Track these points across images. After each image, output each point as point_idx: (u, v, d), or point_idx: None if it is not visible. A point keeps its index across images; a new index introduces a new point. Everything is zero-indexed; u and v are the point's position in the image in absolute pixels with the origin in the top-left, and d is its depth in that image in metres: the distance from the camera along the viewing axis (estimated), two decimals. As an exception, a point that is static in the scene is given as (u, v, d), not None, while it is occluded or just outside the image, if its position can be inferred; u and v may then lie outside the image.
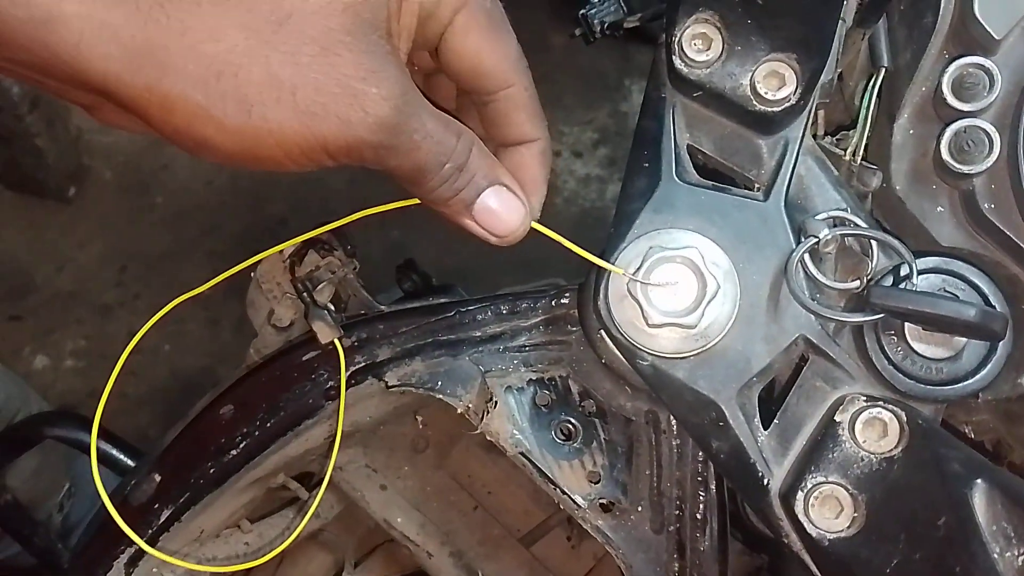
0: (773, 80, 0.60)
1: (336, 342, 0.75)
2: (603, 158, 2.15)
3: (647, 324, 0.59)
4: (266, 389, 0.79)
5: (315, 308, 0.75)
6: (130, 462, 1.03)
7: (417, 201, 0.56)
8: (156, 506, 0.80)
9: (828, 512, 0.56)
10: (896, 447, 0.56)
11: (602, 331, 0.66)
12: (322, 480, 0.93)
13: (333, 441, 0.83)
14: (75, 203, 2.21)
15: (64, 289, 2.01)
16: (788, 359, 0.62)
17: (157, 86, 0.45)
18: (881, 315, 0.57)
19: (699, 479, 0.74)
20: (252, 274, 0.84)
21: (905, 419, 0.56)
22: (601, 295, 0.61)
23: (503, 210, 0.55)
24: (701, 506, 0.74)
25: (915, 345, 0.59)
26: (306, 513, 0.90)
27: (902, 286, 0.59)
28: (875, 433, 0.57)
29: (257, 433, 0.79)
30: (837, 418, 0.58)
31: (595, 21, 0.70)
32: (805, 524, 0.56)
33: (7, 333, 1.97)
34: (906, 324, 0.59)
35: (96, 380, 2.03)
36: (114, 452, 1.03)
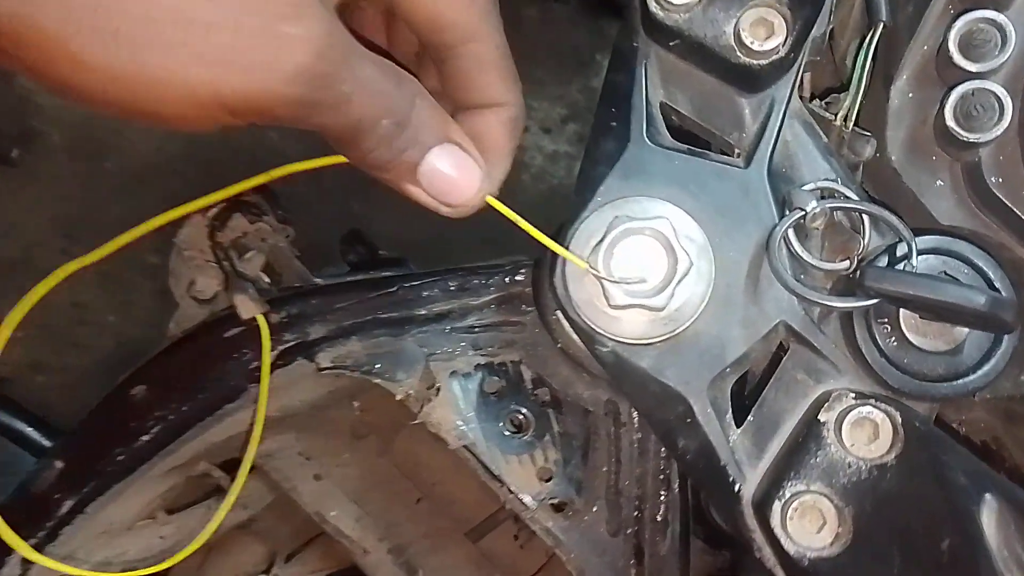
0: (760, 28, 0.51)
1: (260, 318, 0.65)
2: (572, 134, 2.06)
3: (609, 305, 0.51)
4: (183, 368, 0.70)
5: (237, 279, 0.65)
6: (47, 443, 0.93)
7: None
8: (57, 496, 0.70)
9: (809, 526, 0.48)
10: (889, 452, 0.48)
11: (558, 312, 0.57)
12: (247, 469, 0.83)
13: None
14: (20, 166, 2.06)
15: (6, 256, 1.87)
16: (766, 347, 0.53)
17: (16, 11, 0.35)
18: (875, 300, 0.49)
19: (661, 477, 0.66)
20: (174, 240, 0.74)
21: (899, 420, 0.48)
22: (558, 271, 0.52)
23: (456, 174, 0.45)
24: (662, 506, 0.66)
25: (910, 336, 0.51)
26: (225, 506, 0.81)
27: (899, 267, 0.50)
28: (865, 435, 0.49)
29: (172, 417, 0.69)
30: (821, 417, 0.50)
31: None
32: (782, 539, 0.48)
33: (-59, 299, 1.82)
34: (901, 312, 0.51)
35: (37, 351, 1.89)
36: (30, 432, 0.93)
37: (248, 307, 0.64)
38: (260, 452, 0.82)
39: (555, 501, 0.64)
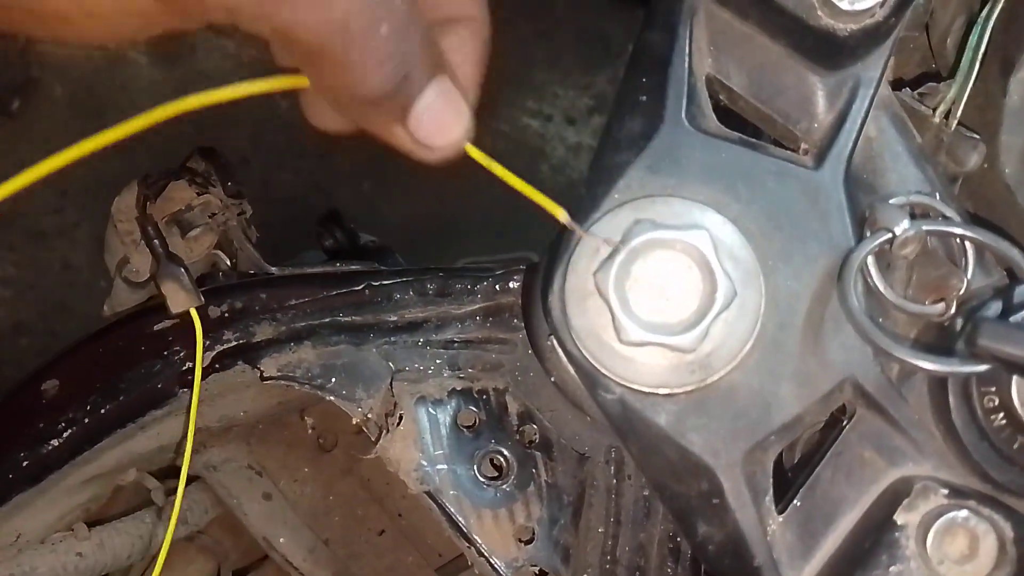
0: (854, -20, 0.37)
1: (193, 313, 0.51)
2: (598, 127, 1.91)
3: (620, 340, 0.37)
4: (103, 364, 0.56)
5: (167, 262, 0.51)
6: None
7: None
8: (-50, 503, 0.57)
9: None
10: (991, 577, 0.34)
11: (553, 339, 0.43)
12: (193, 478, 0.70)
13: (196, 436, 0.60)
14: (19, 118, 1.95)
15: (-1, 211, 1.74)
16: (824, 411, 0.39)
17: None
18: (988, 366, 0.34)
19: (670, 546, 0.52)
20: (112, 210, 0.61)
21: (1010, 535, 0.34)
22: (555, 287, 0.38)
23: (447, 112, 0.36)
24: (668, 582, 0.51)
25: (1025, 414, 0.36)
26: (167, 518, 0.68)
27: (1018, 319, 0.36)
28: (957, 548, 0.35)
29: (88, 421, 0.56)
30: (899, 519, 0.35)
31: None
32: None
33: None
34: (1016, 382, 0.36)
35: (23, 312, 1.78)
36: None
37: (178, 298, 0.51)
38: (204, 463, 0.69)
39: (535, 570, 0.50)
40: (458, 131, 0.37)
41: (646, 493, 0.53)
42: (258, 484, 0.69)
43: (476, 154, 0.39)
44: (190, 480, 0.71)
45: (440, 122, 0.36)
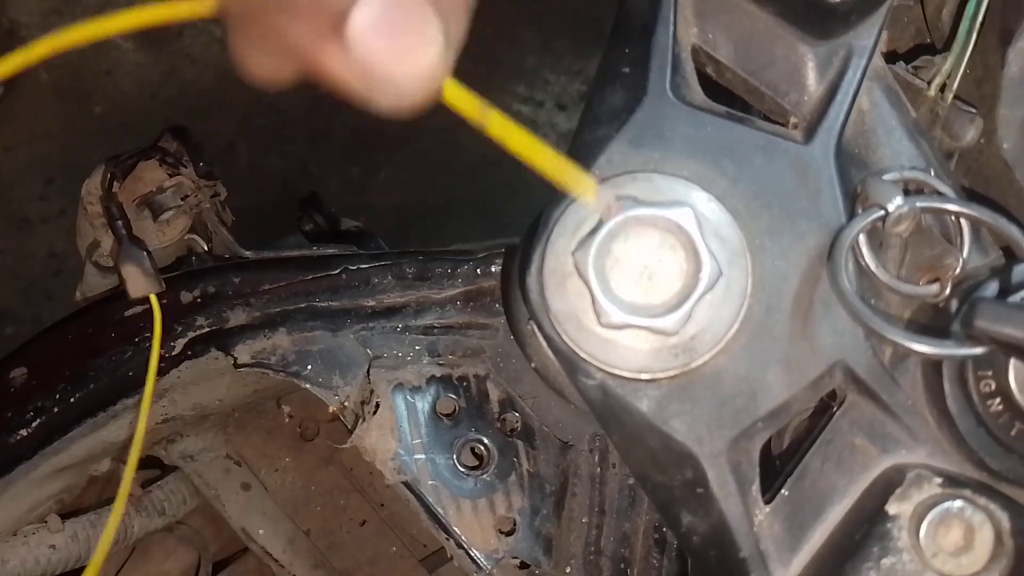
0: (845, -57, 0.35)
1: (153, 299, 0.49)
2: (589, 113, 1.88)
3: (600, 322, 0.35)
4: (72, 351, 0.54)
5: (129, 245, 0.49)
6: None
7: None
8: (-85, 494, 0.55)
9: (863, 667, 0.32)
10: (988, 570, 0.32)
11: (532, 323, 0.41)
12: (171, 468, 0.69)
13: (173, 425, 0.59)
14: (3, 103, 1.91)
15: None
16: (813, 396, 0.37)
17: None
18: (985, 348, 0.32)
19: (655, 536, 0.50)
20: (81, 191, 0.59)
21: (1007, 526, 0.32)
22: (533, 267, 0.36)
23: (403, 23, 0.25)
24: (654, 574, 0.50)
25: (1023, 400, 0.34)
26: (146, 507, 0.66)
27: (1016, 299, 0.34)
28: (952, 541, 0.33)
29: (57, 409, 0.54)
30: (891, 509, 0.34)
31: None
32: None
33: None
34: (1014, 365, 0.34)
35: (8, 300, 1.75)
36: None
37: (138, 283, 0.49)
38: (180, 452, 0.67)
39: (517, 562, 0.48)
40: (423, 57, 0.26)
41: (631, 482, 0.51)
42: (236, 474, 0.67)
43: (458, 97, 0.28)
44: (168, 470, 0.69)
45: (393, 39, 0.25)
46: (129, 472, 0.49)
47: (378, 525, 0.73)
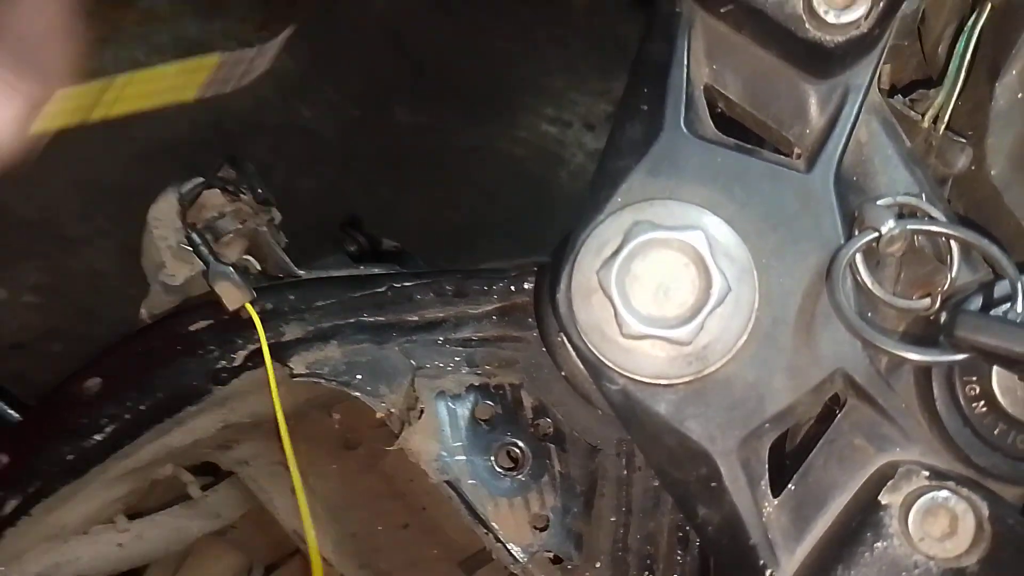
0: (838, -4, 0.40)
1: (248, 307, 0.55)
2: (617, 132, 1.92)
3: (621, 333, 0.40)
4: (141, 363, 0.61)
5: (216, 264, 0.55)
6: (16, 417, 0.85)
7: None
8: (1, 494, 0.61)
9: (859, 640, 0.37)
10: (969, 554, 0.37)
11: (563, 336, 0.47)
12: (228, 473, 0.74)
13: (230, 431, 0.65)
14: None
15: (27, 218, 1.81)
16: (817, 401, 0.42)
17: None
18: (965, 355, 0.37)
19: (679, 534, 0.55)
20: (148, 218, 0.65)
21: (986, 514, 0.37)
22: (562, 285, 0.42)
23: None
24: (678, 570, 0.54)
25: (1005, 403, 0.39)
26: (202, 510, 0.72)
27: (998, 312, 0.39)
28: (939, 528, 0.37)
29: (128, 417, 0.61)
30: (883, 499, 0.38)
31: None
32: (821, 653, 0.37)
33: (-39, 260, 1.77)
34: (996, 371, 0.39)
35: (54, 318, 1.83)
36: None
37: (232, 296, 0.55)
38: (235, 458, 0.73)
39: (550, 555, 0.53)
40: None
41: (655, 484, 0.56)
42: (286, 479, 0.72)
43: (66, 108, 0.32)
44: (223, 476, 0.75)
45: None
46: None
47: (418, 529, 0.78)
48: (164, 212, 0.64)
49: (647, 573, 0.55)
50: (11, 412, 0.87)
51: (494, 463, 0.54)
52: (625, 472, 0.56)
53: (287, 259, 0.63)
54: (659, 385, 0.41)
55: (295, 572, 0.84)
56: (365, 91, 1.92)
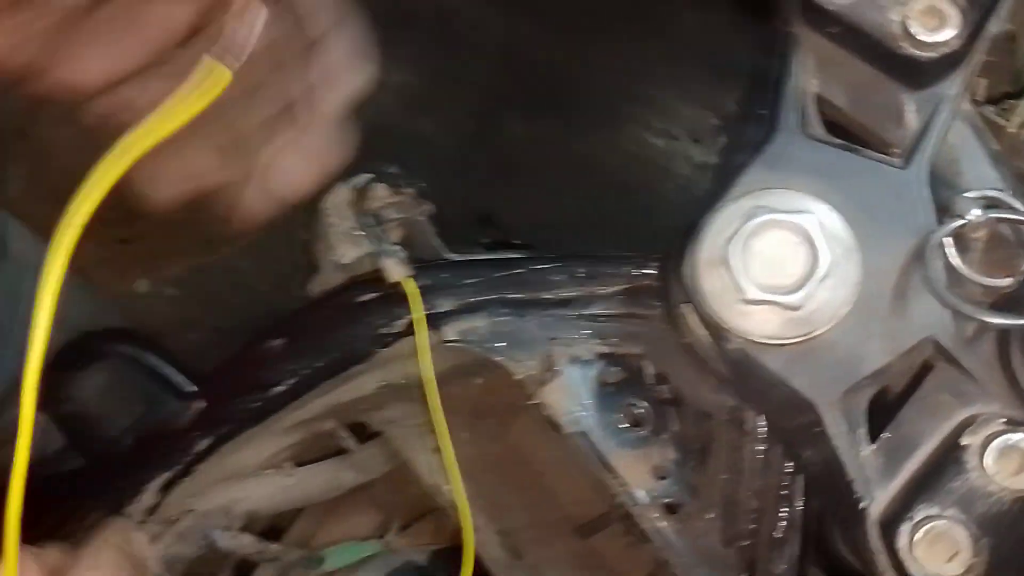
0: (931, 18, 0.48)
1: (406, 282, 0.67)
2: (723, 146, 1.99)
3: (741, 299, 0.49)
4: (318, 326, 0.72)
5: (385, 244, 0.67)
6: (189, 387, 0.99)
7: None
8: (196, 433, 0.74)
9: (939, 553, 0.44)
10: (1039, 487, 0.44)
11: (686, 306, 0.56)
12: (375, 434, 0.86)
13: (386, 390, 0.76)
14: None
15: (173, 218, 2.00)
16: (909, 363, 0.50)
17: None
18: (1039, 320, 0.44)
19: (783, 493, 0.62)
20: (320, 205, 0.77)
21: (1056, 454, 0.44)
22: (689, 258, 0.51)
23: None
24: (781, 524, 0.62)
25: (1077, 364, 0.46)
26: (354, 463, 0.84)
27: (1072, 289, 0.46)
28: (1012, 465, 0.45)
29: (306, 371, 0.72)
30: (964, 441, 0.46)
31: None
32: (907, 563, 0.44)
33: (116, 255, 1.99)
34: (1070, 336, 0.46)
35: (192, 310, 2.02)
36: (172, 375, 0.99)
37: (396, 271, 0.67)
38: (384, 419, 0.84)
39: (668, 501, 0.62)
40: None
41: (762, 448, 0.64)
42: (427, 440, 0.83)
43: None
44: (373, 435, 0.86)
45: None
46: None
47: (538, 495, 0.88)
48: (335, 202, 0.76)
49: (753, 525, 0.63)
50: (186, 381, 1.01)
51: (619, 420, 0.63)
52: (736, 436, 0.64)
53: (440, 243, 0.74)
54: (772, 345, 0.49)
55: (427, 532, 0.95)
56: (480, 105, 2.05)
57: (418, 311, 0.66)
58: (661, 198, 2.08)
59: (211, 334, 2.18)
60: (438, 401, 0.70)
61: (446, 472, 0.83)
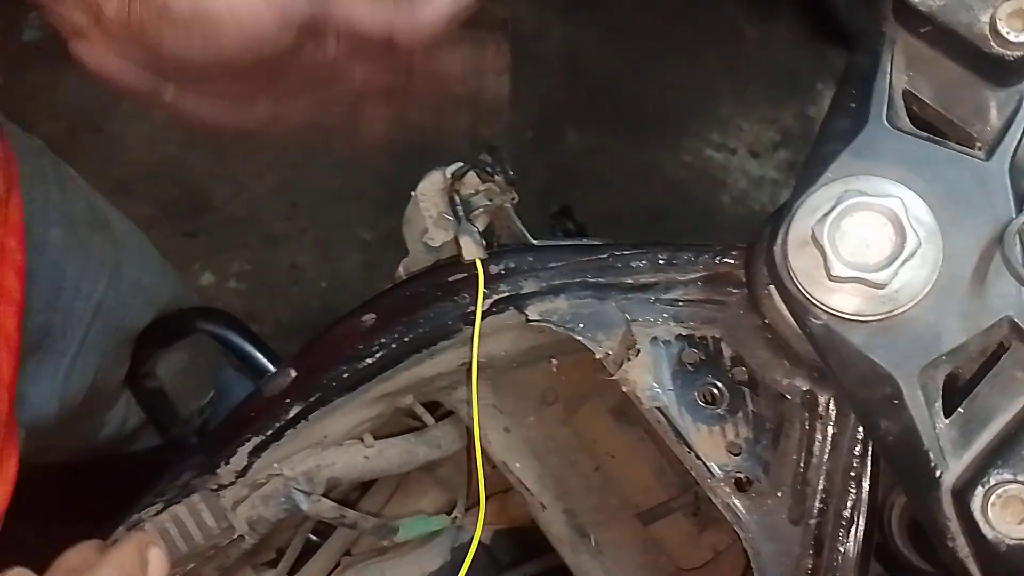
0: (1018, 20, 0.52)
1: (478, 262, 0.72)
2: (782, 161, 2.03)
3: (828, 276, 0.52)
4: (408, 304, 0.77)
5: (465, 223, 0.72)
6: (271, 368, 1.05)
7: None
8: (287, 400, 0.79)
9: (1012, 515, 0.48)
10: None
11: (771, 287, 0.60)
12: (447, 413, 0.90)
13: (463, 369, 0.80)
14: (257, 136, 2.31)
15: (238, 214, 2.09)
16: (985, 342, 0.53)
17: None
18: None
19: (851, 474, 0.66)
20: (412, 192, 0.83)
21: None
22: (779, 239, 0.55)
23: None
24: (849, 504, 0.66)
25: None
26: (428, 439, 0.88)
27: None
28: (1085, 436, 0.48)
29: (394, 345, 0.77)
30: (1038, 413, 0.49)
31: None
32: (980, 523, 0.48)
33: (182, 247, 2.07)
34: None
35: (254, 303, 2.09)
36: (256, 355, 1.05)
37: (472, 250, 0.71)
38: (457, 399, 0.88)
39: (740, 476, 0.66)
40: None
41: (833, 431, 0.67)
42: (499, 419, 0.88)
43: None
44: (446, 414, 0.91)
45: None
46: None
47: (601, 480, 0.91)
48: (429, 188, 0.81)
49: (822, 505, 0.67)
50: (266, 361, 1.07)
51: (697, 398, 0.67)
52: (808, 419, 0.67)
53: (524, 230, 0.79)
54: (856, 320, 0.53)
55: (490, 513, 0.99)
56: (540, 114, 2.10)
57: (481, 288, 0.71)
58: (718, 210, 2.11)
59: (272, 327, 2.24)
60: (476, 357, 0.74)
61: (512, 451, 0.88)
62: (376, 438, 0.86)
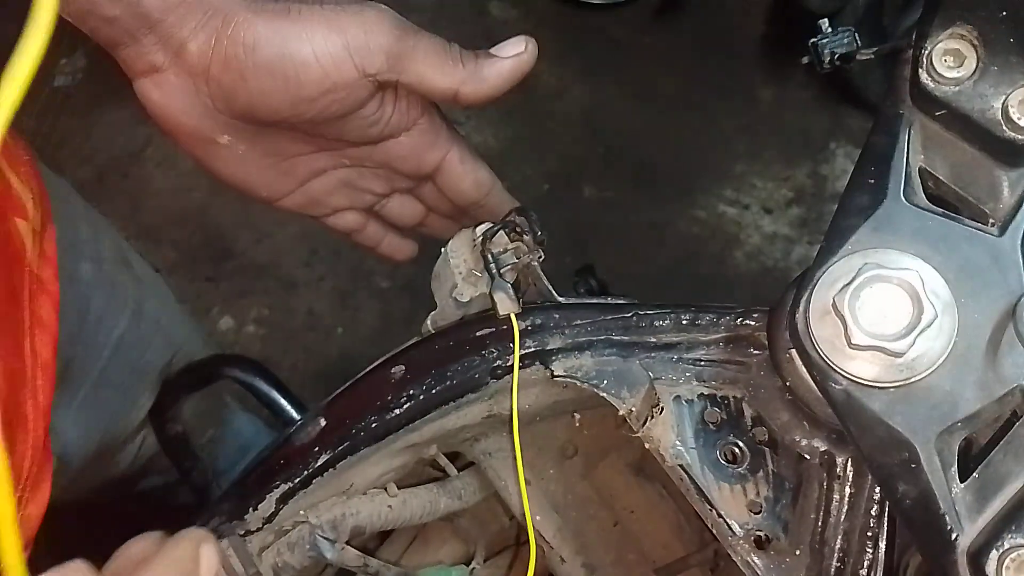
0: (1030, 108, 0.55)
1: (512, 317, 0.75)
2: (795, 218, 2.07)
3: (848, 344, 0.56)
4: (438, 356, 0.80)
5: (499, 280, 0.75)
6: (296, 415, 1.07)
7: None
8: (316, 449, 0.82)
9: (1028, 581, 0.50)
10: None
11: (792, 351, 0.63)
12: (469, 464, 0.93)
13: (488, 421, 0.83)
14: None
15: (258, 260, 2.13)
16: (999, 410, 0.56)
17: None
18: (1124, 376, 0.51)
19: (868, 535, 0.68)
20: (443, 248, 0.86)
21: None
22: (801, 307, 0.58)
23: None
24: (866, 563, 0.68)
25: None
26: (450, 490, 0.91)
27: None
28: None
29: (422, 397, 0.80)
30: (1051, 480, 0.52)
31: (825, 52, 0.67)
32: (997, 587, 0.50)
33: (202, 292, 2.11)
34: None
35: (272, 349, 2.12)
36: (282, 401, 1.08)
37: (506, 305, 0.75)
38: (481, 450, 0.91)
39: (760, 534, 0.68)
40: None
41: (851, 492, 0.69)
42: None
43: None
44: (467, 465, 0.93)
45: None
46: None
47: (620, 535, 0.94)
48: (459, 245, 0.85)
49: (839, 564, 0.69)
50: (291, 409, 1.10)
51: (719, 456, 0.70)
52: (826, 479, 0.70)
53: (551, 288, 0.82)
54: (875, 387, 0.56)
55: (506, 563, 1.01)
56: (557, 169, 2.16)
57: (516, 339, 0.74)
58: (731, 265, 2.14)
59: (289, 372, 2.27)
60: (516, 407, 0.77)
61: (532, 503, 0.90)
62: (399, 487, 0.89)
